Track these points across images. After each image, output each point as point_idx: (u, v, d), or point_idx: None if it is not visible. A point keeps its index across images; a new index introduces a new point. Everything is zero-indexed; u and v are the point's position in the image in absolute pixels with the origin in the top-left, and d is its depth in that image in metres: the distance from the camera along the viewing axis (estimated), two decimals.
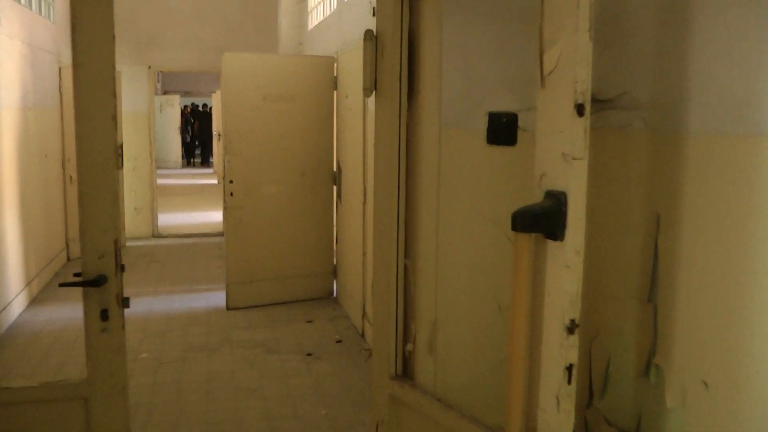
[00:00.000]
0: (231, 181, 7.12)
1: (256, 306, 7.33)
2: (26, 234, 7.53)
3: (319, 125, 7.44)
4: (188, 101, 27.80)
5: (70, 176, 9.26)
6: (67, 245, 9.31)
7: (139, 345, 6.14)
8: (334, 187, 7.61)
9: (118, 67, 9.22)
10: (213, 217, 13.08)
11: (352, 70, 6.64)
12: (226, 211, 7.18)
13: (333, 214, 7.69)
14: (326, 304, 7.49)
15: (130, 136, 10.69)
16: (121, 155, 10.08)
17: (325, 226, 7.65)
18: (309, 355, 5.95)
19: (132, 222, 10.82)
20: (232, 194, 7.12)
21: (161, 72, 27.19)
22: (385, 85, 2.92)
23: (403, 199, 2.99)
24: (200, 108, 25.74)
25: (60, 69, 9.13)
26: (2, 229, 6.75)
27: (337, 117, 7.40)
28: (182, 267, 9.16)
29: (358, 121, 6.45)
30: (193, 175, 21.18)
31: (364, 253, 6.30)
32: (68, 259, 9.34)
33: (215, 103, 21.99)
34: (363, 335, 6.44)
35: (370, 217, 5.98)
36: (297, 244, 7.48)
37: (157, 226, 11.14)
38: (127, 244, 10.42)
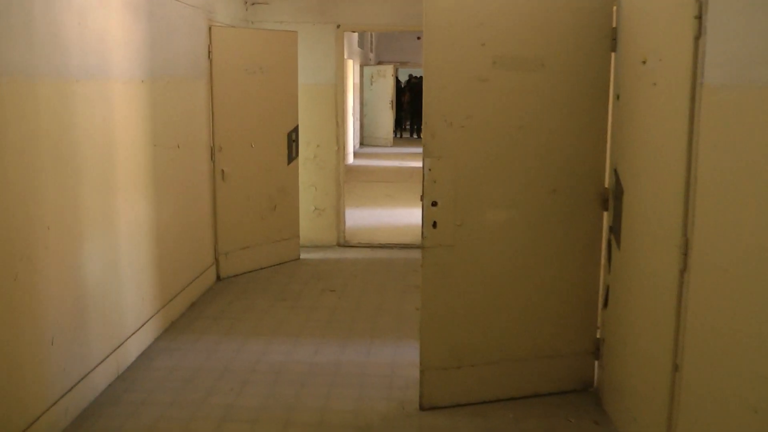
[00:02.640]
0: (434, 203, 4.27)
1: (465, 405, 4.48)
2: (157, 249, 5.21)
3: (581, 109, 4.39)
4: (406, 72, 25.52)
5: (222, 171, 6.85)
6: (217, 260, 6.96)
7: None
8: (604, 215, 4.53)
9: (295, 25, 6.01)
10: (418, 216, 10.36)
11: (653, 14, 3.55)
12: (426, 252, 4.36)
13: (599, 258, 4.60)
14: (579, 404, 4.48)
15: (311, 114, 8.16)
16: (296, 141, 7.57)
17: (585, 278, 4.59)
18: None
19: (311, 226, 8.35)
20: (435, 225, 4.28)
21: (374, 37, 25.21)
22: None
23: None
24: (411, 79, 23.46)
25: (210, 29, 6.71)
26: (116, 244, 4.41)
27: (619, 95, 4.27)
28: (364, 302, 6.48)
29: (674, 106, 3.34)
30: (403, 156, 18.69)
31: (677, 334, 3.23)
32: (218, 278, 6.99)
33: None
34: None
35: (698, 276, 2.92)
36: (535, 305, 4.51)
37: (343, 232, 8.59)
38: (302, 256, 7.95)
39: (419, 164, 16.29)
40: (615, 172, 4.25)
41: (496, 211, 4.33)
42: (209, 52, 6.70)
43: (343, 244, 8.55)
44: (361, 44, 20.83)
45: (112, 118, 4.68)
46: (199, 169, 6.50)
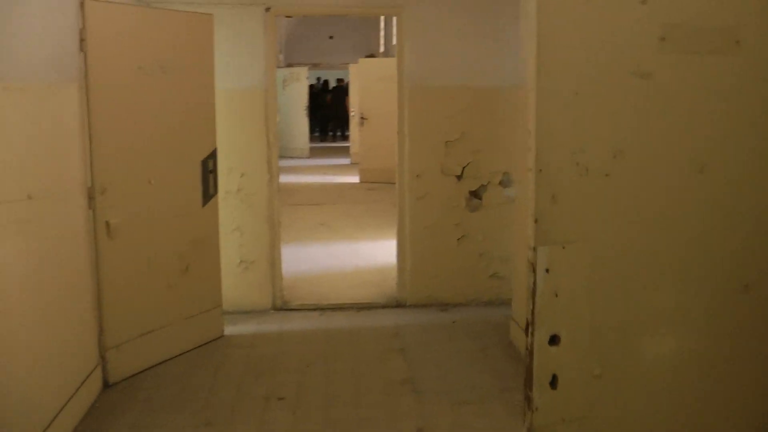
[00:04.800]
0: (554, 339, 2.11)
1: None
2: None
3: None
4: (316, 75, 23.54)
5: (107, 223, 4.50)
6: (103, 359, 4.60)
7: None
8: None
9: (210, 7, 4.72)
10: (366, 254, 8.18)
11: None
12: None
13: None
14: None
15: (233, 131, 5.88)
16: (214, 171, 5.28)
17: None
18: None
19: (236, 285, 6.05)
20: (554, 382, 2.11)
21: (284, 36, 22.89)
22: None
23: None
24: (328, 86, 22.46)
25: (83, 3, 4.35)
26: None
27: None
28: (336, 421, 4.25)
29: None
30: (325, 170, 16.42)
31: None
32: (106, 385, 4.63)
33: (354, 77, 17.25)
34: None
35: None
36: None
37: (281, 290, 6.31)
38: (227, 330, 5.64)
39: (345, 179, 13.93)
40: None
41: (661, 339, 2.19)
42: (82, 40, 4.33)
43: (282, 307, 6.27)
44: None
45: None
46: (69, 224, 4.14)
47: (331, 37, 23.55)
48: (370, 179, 14.15)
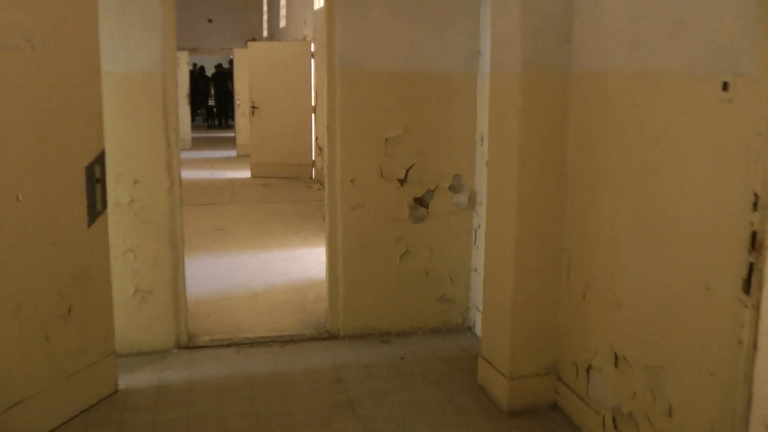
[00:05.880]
0: None
1: None
2: None
3: None
4: (194, 61, 22.08)
5: None
6: None
7: None
8: None
9: None
10: (275, 263, 7.02)
11: None
12: None
13: None
14: None
15: (122, 126, 4.62)
16: (102, 179, 4.01)
17: None
18: None
19: (132, 321, 4.80)
20: None
21: None
22: None
23: None
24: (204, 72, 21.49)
25: None
26: None
27: None
28: None
29: None
30: (212, 163, 15.00)
31: None
32: None
33: (240, 62, 15.93)
34: None
35: None
36: None
37: (185, 323, 5.08)
38: (122, 381, 4.39)
39: (235, 174, 12.50)
40: None
41: None
42: None
43: (188, 345, 5.05)
44: None
45: None
46: None
47: (210, 21, 21.95)
48: (263, 174, 12.91)
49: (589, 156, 3.84)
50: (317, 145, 12.61)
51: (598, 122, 3.75)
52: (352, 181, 5.15)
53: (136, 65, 4.63)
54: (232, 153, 16.56)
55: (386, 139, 5.16)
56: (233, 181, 12.67)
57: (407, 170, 5.23)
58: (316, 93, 12.60)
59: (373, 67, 5.09)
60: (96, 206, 4.03)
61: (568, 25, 3.98)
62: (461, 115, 5.25)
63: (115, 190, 4.60)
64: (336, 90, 5.08)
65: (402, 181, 5.23)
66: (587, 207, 3.88)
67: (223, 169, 14.22)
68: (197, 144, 18.08)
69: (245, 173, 13.33)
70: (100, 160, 4.04)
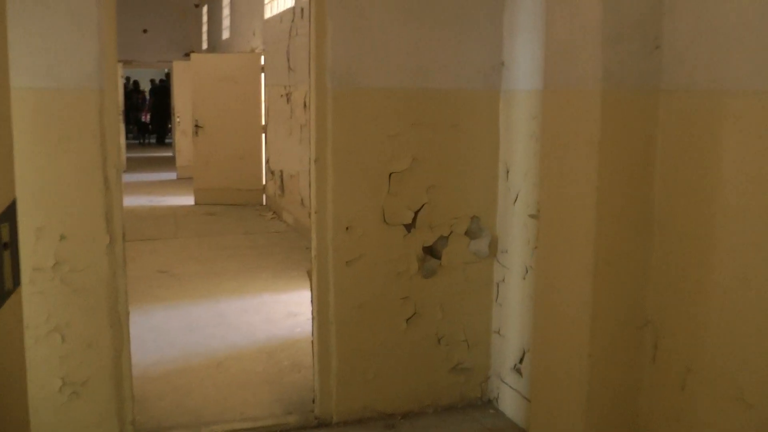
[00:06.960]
0: None
1: None
2: None
3: None
4: (127, 74, 20.78)
5: None
6: None
7: None
8: None
9: None
10: (235, 315, 5.81)
11: None
12: None
13: None
14: None
15: (42, 164, 3.40)
16: (13, 243, 2.71)
17: None
18: None
19: (59, 424, 3.55)
20: None
21: None
22: None
23: None
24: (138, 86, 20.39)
25: None
26: None
27: None
28: None
29: None
30: (150, 188, 13.63)
31: None
32: None
33: (179, 75, 14.66)
34: None
35: None
36: None
37: (133, 421, 3.84)
38: None
39: (176, 200, 10.29)
40: None
41: None
42: None
43: None
44: None
45: None
46: None
47: (145, 31, 20.51)
48: (209, 200, 11.64)
49: (687, 200, 2.84)
50: (269, 168, 11.42)
51: (703, 156, 2.75)
52: (347, 228, 4.03)
53: (63, 79, 3.40)
54: (172, 175, 15.20)
55: (390, 174, 4.05)
56: (175, 210, 11.34)
57: (415, 213, 4.13)
58: (267, 111, 11.43)
59: (373, 83, 3.98)
60: (4, 282, 2.79)
61: (657, 26, 2.95)
62: (481, 142, 4.19)
63: (34, 251, 3.38)
64: (327, 112, 3.95)
65: (409, 227, 4.13)
66: (685, 266, 2.88)
67: (163, 194, 12.86)
68: (132, 164, 16.65)
69: (188, 199, 12.02)
70: (8, 215, 2.80)
